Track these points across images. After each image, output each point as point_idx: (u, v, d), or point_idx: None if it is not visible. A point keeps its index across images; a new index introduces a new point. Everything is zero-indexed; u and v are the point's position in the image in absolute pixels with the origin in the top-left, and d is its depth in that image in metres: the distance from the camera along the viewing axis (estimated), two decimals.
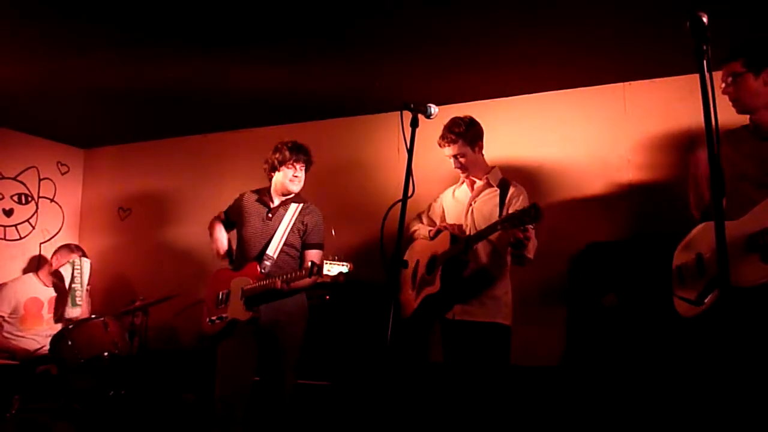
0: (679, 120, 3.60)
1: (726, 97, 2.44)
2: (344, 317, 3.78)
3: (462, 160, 3.18)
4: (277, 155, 3.38)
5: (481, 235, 2.86)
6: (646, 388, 3.09)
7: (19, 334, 4.26)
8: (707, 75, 1.60)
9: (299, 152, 3.38)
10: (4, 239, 4.99)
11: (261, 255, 3.30)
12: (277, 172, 3.40)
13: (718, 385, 2.34)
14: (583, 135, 3.90)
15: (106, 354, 3.77)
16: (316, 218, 3.42)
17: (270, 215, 3.39)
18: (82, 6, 3.02)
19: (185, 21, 3.19)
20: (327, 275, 2.87)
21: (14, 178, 5.09)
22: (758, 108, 2.42)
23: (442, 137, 3.19)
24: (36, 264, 5.06)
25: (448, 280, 2.94)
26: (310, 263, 2.98)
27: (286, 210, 3.38)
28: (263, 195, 3.48)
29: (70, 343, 3.72)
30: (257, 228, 3.37)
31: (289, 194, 3.43)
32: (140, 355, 3.99)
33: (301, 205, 3.42)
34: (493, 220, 2.88)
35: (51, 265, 4.44)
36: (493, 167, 3.27)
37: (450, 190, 3.41)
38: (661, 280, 2.63)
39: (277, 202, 3.43)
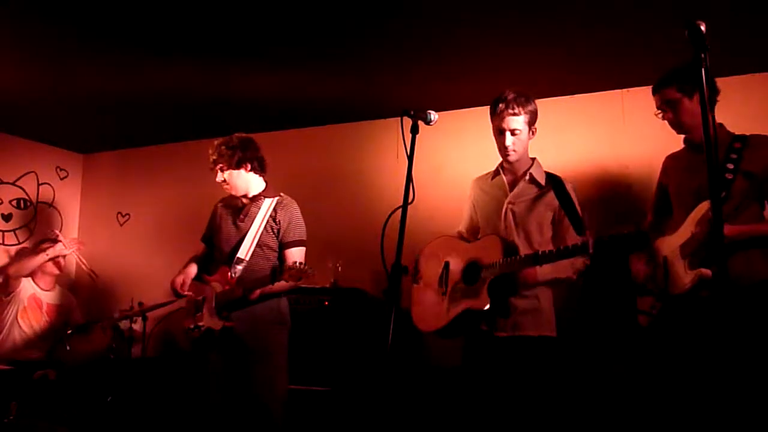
0: None
1: (717, 108, 2.52)
2: (344, 323, 3.77)
3: (517, 140, 2.70)
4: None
5: (563, 255, 2.39)
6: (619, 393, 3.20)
7: (21, 323, 4.25)
8: (705, 83, 1.61)
9: (219, 154, 3.13)
10: (3, 244, 4.98)
11: (232, 258, 3.10)
12: None
13: (675, 395, 2.54)
14: (581, 141, 3.91)
15: (104, 359, 3.77)
16: (290, 213, 3.12)
17: (242, 216, 3.17)
18: (81, 12, 3.04)
19: (184, 27, 3.20)
20: (291, 279, 2.73)
21: (13, 183, 5.09)
22: (695, 127, 2.63)
23: (507, 103, 2.65)
24: None
25: (499, 297, 2.55)
26: (271, 269, 2.82)
27: (258, 208, 3.14)
28: (233, 197, 3.26)
29: (68, 348, 3.72)
30: (230, 231, 3.18)
31: (256, 191, 3.19)
32: (138, 360, 3.99)
33: (275, 199, 3.15)
34: (546, 226, 2.69)
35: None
36: (533, 159, 2.82)
37: (479, 177, 2.99)
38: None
39: (246, 200, 3.21)
